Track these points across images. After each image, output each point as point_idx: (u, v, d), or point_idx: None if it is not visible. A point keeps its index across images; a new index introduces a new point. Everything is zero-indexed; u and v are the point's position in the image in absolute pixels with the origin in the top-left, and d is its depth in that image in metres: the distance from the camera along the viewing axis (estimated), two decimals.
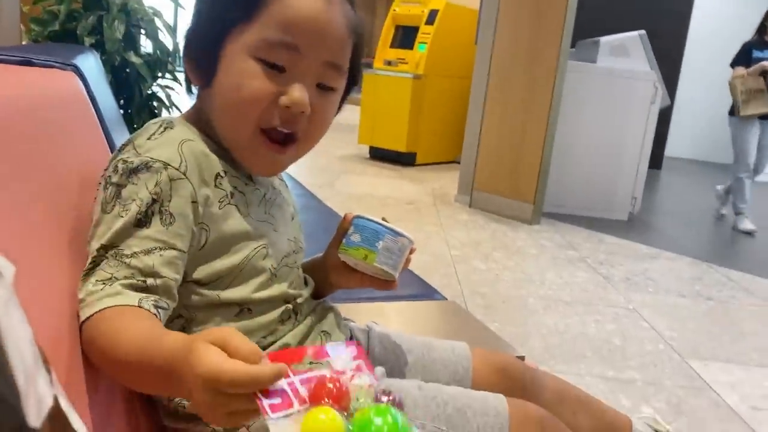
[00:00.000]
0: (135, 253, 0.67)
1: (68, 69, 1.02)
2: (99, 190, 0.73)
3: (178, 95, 2.74)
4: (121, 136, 1.28)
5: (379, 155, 6.27)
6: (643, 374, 2.19)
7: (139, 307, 0.65)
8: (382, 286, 0.88)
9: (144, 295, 0.67)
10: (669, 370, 2.25)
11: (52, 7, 2.53)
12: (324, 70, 0.78)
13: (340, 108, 0.87)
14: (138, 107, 2.56)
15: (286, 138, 0.78)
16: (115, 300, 0.65)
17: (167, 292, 0.69)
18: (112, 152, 0.79)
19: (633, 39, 4.55)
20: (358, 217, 0.84)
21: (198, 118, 0.81)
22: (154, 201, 0.69)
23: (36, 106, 0.76)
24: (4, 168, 0.62)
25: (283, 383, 0.53)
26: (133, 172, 0.70)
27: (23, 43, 4.75)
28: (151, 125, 0.77)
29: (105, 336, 0.63)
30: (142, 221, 0.69)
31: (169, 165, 0.71)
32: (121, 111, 2.38)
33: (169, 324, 0.74)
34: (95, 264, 0.68)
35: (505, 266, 3.28)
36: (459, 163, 4.95)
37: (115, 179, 0.71)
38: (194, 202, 0.72)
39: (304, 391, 0.54)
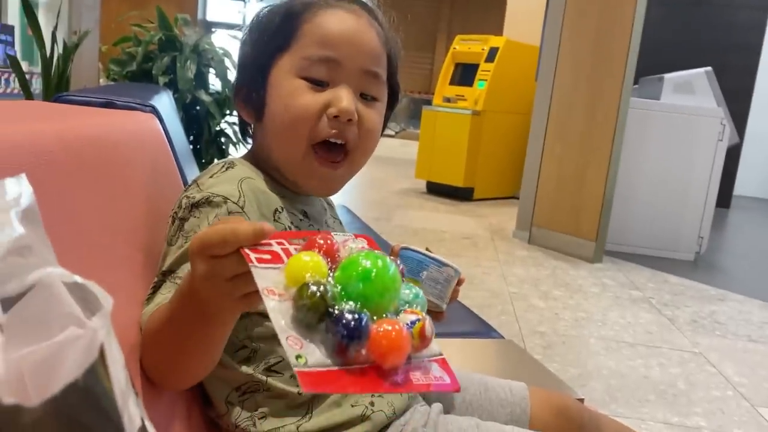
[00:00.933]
0: None
1: (147, 110, 1.08)
2: (167, 226, 0.78)
3: None
4: (191, 171, 1.35)
5: (436, 190, 6.29)
6: (709, 421, 2.10)
7: None
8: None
9: None
10: (738, 418, 2.14)
11: (131, 49, 2.69)
12: (364, 79, 0.82)
13: (385, 125, 0.91)
14: (207, 143, 2.68)
15: (338, 150, 0.82)
16: (159, 303, 0.69)
17: None
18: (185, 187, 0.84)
19: (699, 76, 4.46)
20: (404, 248, 0.85)
21: (256, 158, 0.87)
22: None
23: (120, 147, 0.82)
24: (94, 204, 0.67)
25: (275, 247, 0.53)
26: (195, 206, 0.75)
27: (100, 80, 5.03)
28: (214, 166, 0.83)
29: (147, 329, 0.68)
30: None
31: (228, 199, 0.75)
32: (191, 146, 2.49)
33: (234, 354, 0.77)
34: (155, 288, 0.72)
35: (566, 305, 3.22)
36: (517, 198, 4.92)
37: (180, 214, 0.76)
38: None
39: (295, 252, 0.54)
